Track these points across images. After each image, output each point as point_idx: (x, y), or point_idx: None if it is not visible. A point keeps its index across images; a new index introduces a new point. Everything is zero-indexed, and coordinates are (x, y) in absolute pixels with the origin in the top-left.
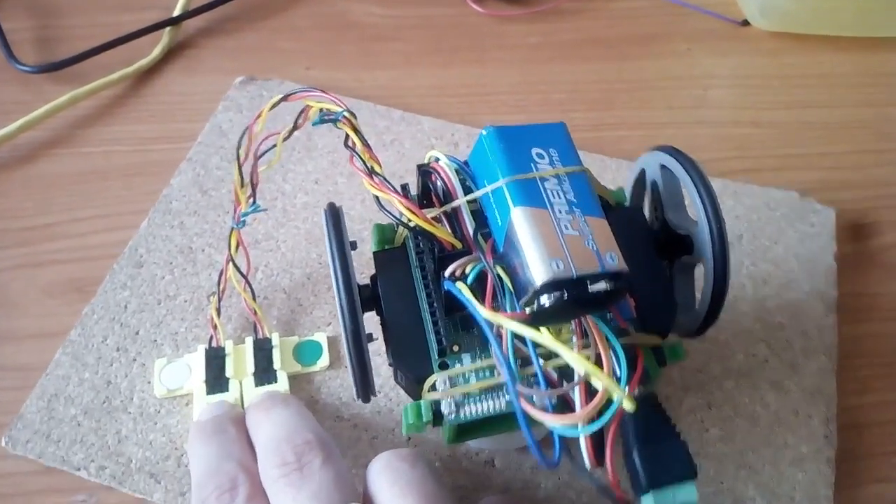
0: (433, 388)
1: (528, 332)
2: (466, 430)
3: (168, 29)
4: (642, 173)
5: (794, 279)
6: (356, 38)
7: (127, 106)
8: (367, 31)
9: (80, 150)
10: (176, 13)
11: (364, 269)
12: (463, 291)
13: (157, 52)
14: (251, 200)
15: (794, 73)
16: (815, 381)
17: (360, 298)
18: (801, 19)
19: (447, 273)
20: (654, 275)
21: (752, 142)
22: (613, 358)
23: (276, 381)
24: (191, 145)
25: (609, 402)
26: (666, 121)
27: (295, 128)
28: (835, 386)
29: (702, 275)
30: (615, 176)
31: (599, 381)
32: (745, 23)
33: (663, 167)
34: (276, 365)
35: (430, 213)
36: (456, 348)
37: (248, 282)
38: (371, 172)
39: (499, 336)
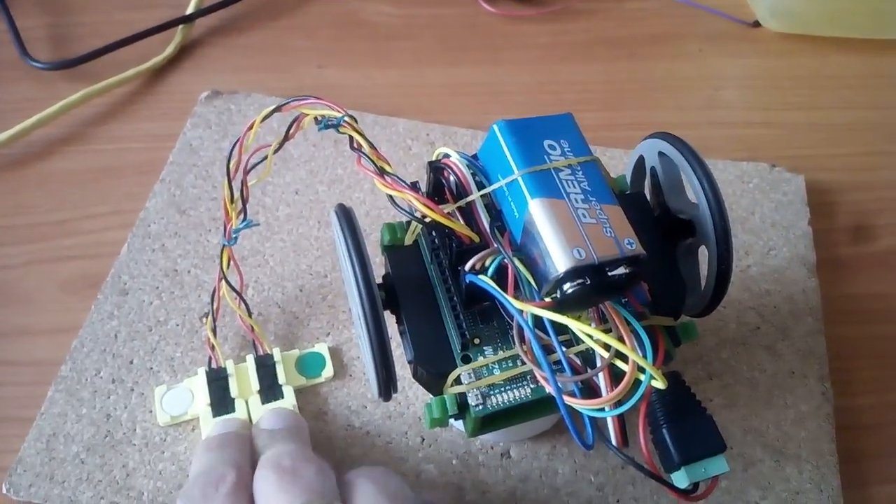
0: (458, 381)
1: (562, 319)
2: (489, 421)
3: (181, 27)
4: (641, 160)
5: (773, 247)
6: (368, 36)
7: (140, 103)
8: (379, 30)
9: (94, 147)
10: (189, 11)
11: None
12: (489, 283)
13: (169, 49)
14: (242, 216)
15: (805, 74)
16: (805, 342)
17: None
18: (812, 21)
19: (468, 266)
20: (662, 258)
21: (762, 142)
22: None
23: (282, 397)
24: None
25: (636, 383)
26: (677, 121)
27: (286, 138)
28: (825, 345)
29: (704, 259)
30: (619, 165)
31: (635, 362)
32: (756, 24)
33: (661, 154)
34: (281, 380)
35: (445, 208)
36: (477, 341)
37: (242, 298)
38: (382, 172)
39: (519, 330)
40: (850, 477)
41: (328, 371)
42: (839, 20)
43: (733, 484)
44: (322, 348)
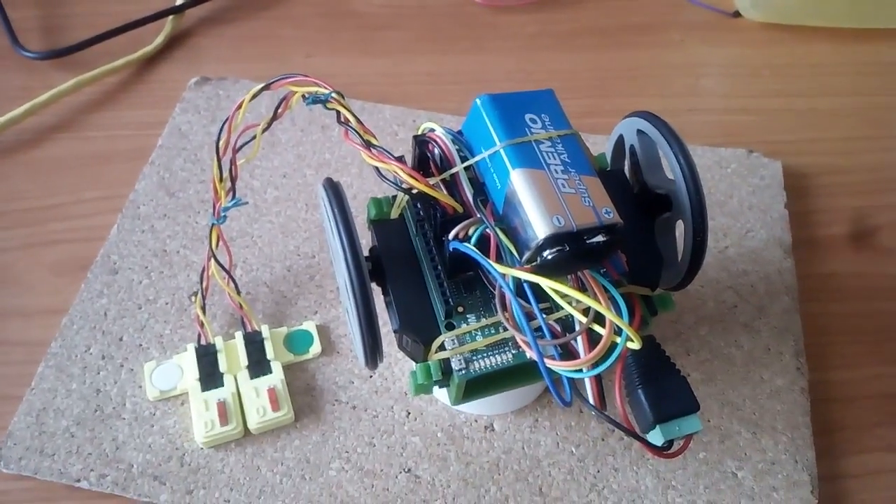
0: (441, 348)
1: (543, 281)
2: (473, 386)
3: (171, 17)
4: (620, 139)
5: (751, 229)
6: (356, 26)
7: (130, 92)
8: (367, 19)
9: (85, 134)
10: (179, 2)
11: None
12: (472, 249)
13: (159, 40)
14: (231, 195)
15: (784, 62)
16: (781, 320)
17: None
18: (791, 11)
19: (451, 235)
20: (640, 232)
21: (742, 129)
22: (613, 306)
23: (271, 372)
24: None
25: (612, 346)
26: (659, 108)
27: (275, 117)
28: (800, 322)
29: (681, 234)
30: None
31: (612, 324)
32: (737, 14)
33: (640, 132)
34: (270, 356)
35: (430, 181)
36: (461, 309)
37: (231, 277)
38: (368, 145)
39: (501, 298)
40: (824, 448)
41: (316, 348)
42: (818, 10)
43: (711, 455)
44: (310, 326)
